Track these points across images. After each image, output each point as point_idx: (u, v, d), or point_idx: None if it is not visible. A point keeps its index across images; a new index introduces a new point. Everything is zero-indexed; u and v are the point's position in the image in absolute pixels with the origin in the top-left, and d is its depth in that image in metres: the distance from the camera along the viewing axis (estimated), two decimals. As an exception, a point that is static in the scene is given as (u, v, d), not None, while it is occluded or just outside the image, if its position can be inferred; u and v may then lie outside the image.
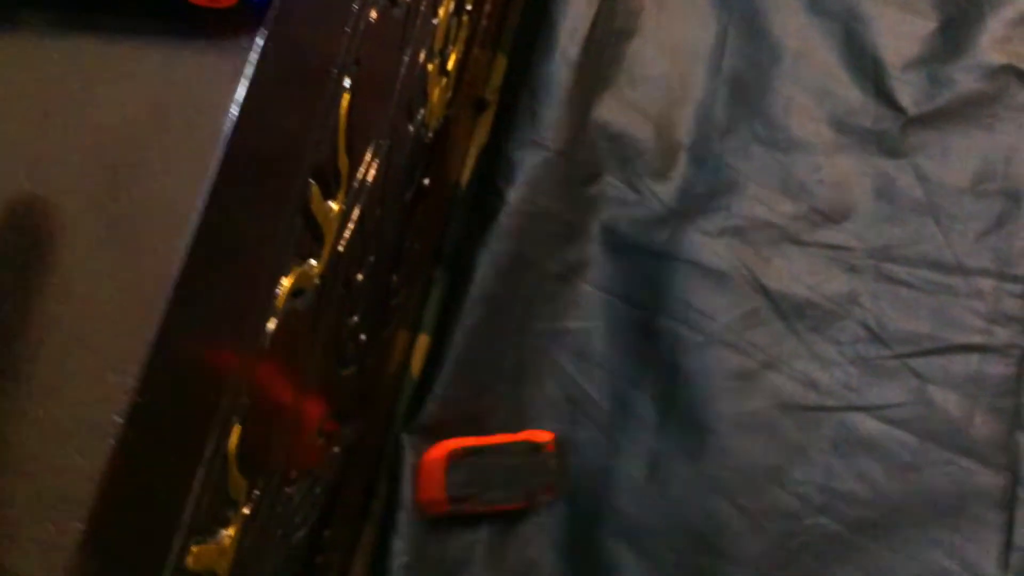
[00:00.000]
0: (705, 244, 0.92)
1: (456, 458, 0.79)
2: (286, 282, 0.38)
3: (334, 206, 0.43)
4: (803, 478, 0.85)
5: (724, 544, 0.83)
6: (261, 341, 0.37)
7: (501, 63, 0.95)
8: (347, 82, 0.41)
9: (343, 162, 0.43)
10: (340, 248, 0.46)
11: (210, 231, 0.28)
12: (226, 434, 0.35)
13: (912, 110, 0.96)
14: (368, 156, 0.49)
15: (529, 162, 0.89)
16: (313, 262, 0.42)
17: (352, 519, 0.80)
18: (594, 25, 0.95)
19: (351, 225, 0.47)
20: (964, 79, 0.96)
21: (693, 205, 0.93)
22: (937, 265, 0.92)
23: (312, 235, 0.41)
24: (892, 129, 0.96)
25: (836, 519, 0.84)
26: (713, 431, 0.87)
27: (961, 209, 0.93)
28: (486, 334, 0.85)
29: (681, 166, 0.95)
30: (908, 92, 0.96)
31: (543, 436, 0.82)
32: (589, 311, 0.91)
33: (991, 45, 0.95)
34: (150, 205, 0.28)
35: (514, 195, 0.88)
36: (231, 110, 0.29)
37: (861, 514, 0.84)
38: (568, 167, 0.92)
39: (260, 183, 0.32)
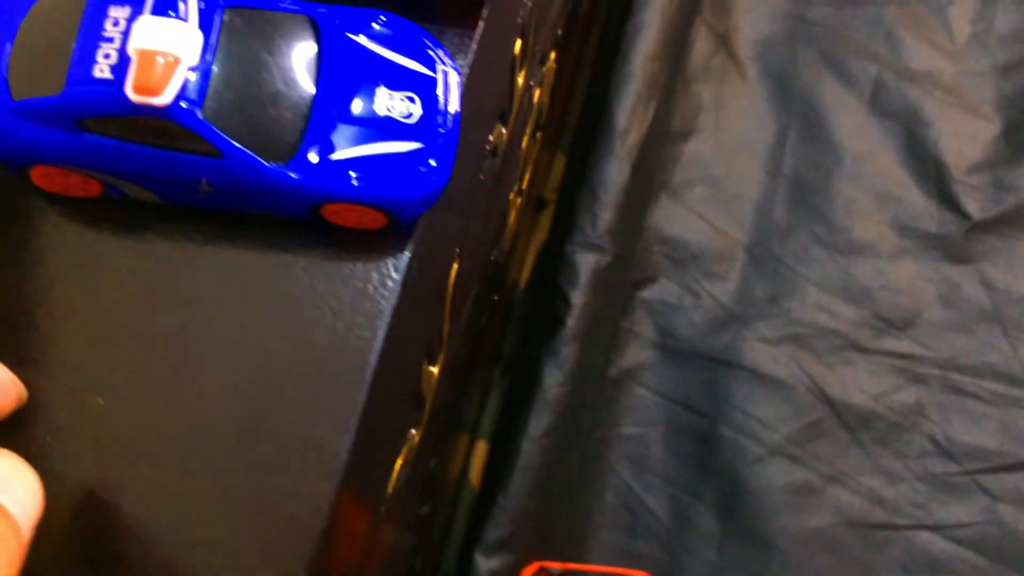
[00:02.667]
0: (765, 351, 0.89)
1: None
2: (396, 466, 0.36)
3: (434, 370, 0.41)
4: (872, 602, 0.82)
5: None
6: (376, 538, 0.35)
7: (560, 162, 0.94)
8: (456, 249, 0.39)
9: (446, 328, 0.41)
10: (436, 403, 0.44)
11: (355, 469, 0.26)
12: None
13: (976, 215, 0.94)
14: (465, 310, 0.47)
15: (590, 265, 0.88)
16: (414, 431, 0.40)
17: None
18: (652, 125, 0.94)
19: (442, 376, 0.45)
20: (1029, 185, 0.94)
21: (752, 309, 0.91)
22: (1005, 377, 0.89)
23: (416, 407, 0.39)
24: (956, 234, 0.94)
25: (908, 647, 0.80)
26: (776, 548, 0.83)
27: (1028, 318, 0.91)
28: (553, 442, 0.83)
29: (739, 268, 0.93)
30: (972, 197, 0.94)
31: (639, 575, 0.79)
32: (646, 416, 0.89)
33: (1057, 151, 0.94)
34: (294, 447, 0.26)
35: (578, 298, 0.86)
36: (378, 339, 0.27)
37: (933, 642, 0.80)
38: (624, 270, 0.91)
39: (395, 402, 0.30)
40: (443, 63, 0.36)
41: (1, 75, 0.34)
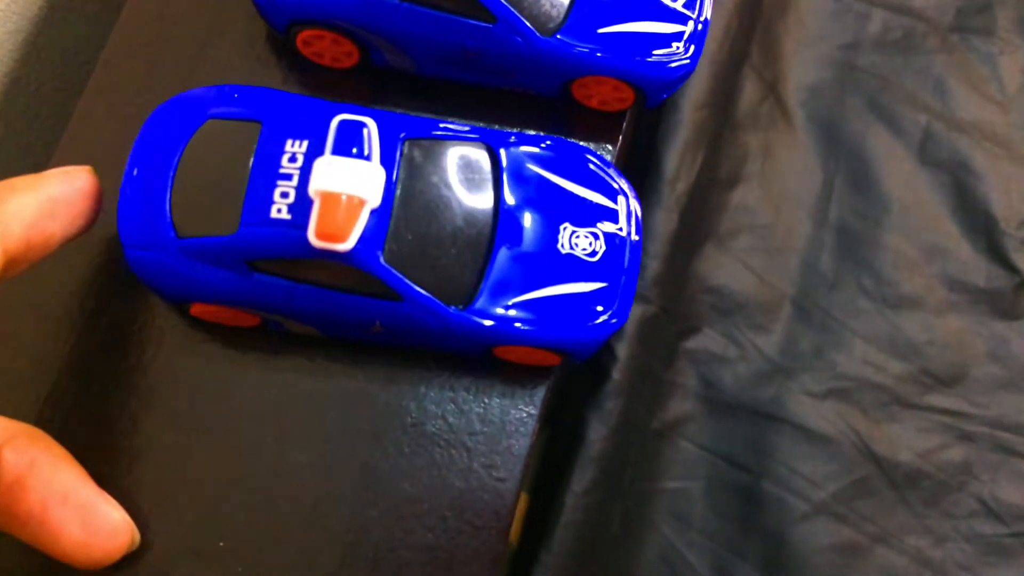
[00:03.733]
0: (810, 405, 0.88)
1: None
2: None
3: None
4: (920, 670, 0.80)
5: None
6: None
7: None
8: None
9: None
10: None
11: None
12: None
13: (1026, 271, 0.92)
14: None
15: (637, 316, 0.86)
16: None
17: None
18: (700, 174, 0.93)
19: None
20: (1081, 241, 0.92)
21: (797, 362, 0.90)
22: (1055, 437, 0.87)
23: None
24: (1006, 289, 0.92)
25: None
26: (821, 609, 0.82)
27: (1079, 377, 0.89)
28: (596, 498, 0.81)
29: (784, 320, 0.92)
30: (1022, 252, 0.93)
31: None
32: (689, 471, 0.87)
33: (1110, 207, 0.92)
34: None
35: (624, 351, 0.85)
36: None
37: None
38: (668, 321, 0.89)
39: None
40: (622, 192, 0.35)
41: (164, 210, 0.32)
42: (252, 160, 0.32)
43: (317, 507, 0.28)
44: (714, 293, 0.91)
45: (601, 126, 0.34)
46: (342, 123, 0.30)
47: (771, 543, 0.84)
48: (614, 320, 0.33)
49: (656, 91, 0.34)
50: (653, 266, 0.89)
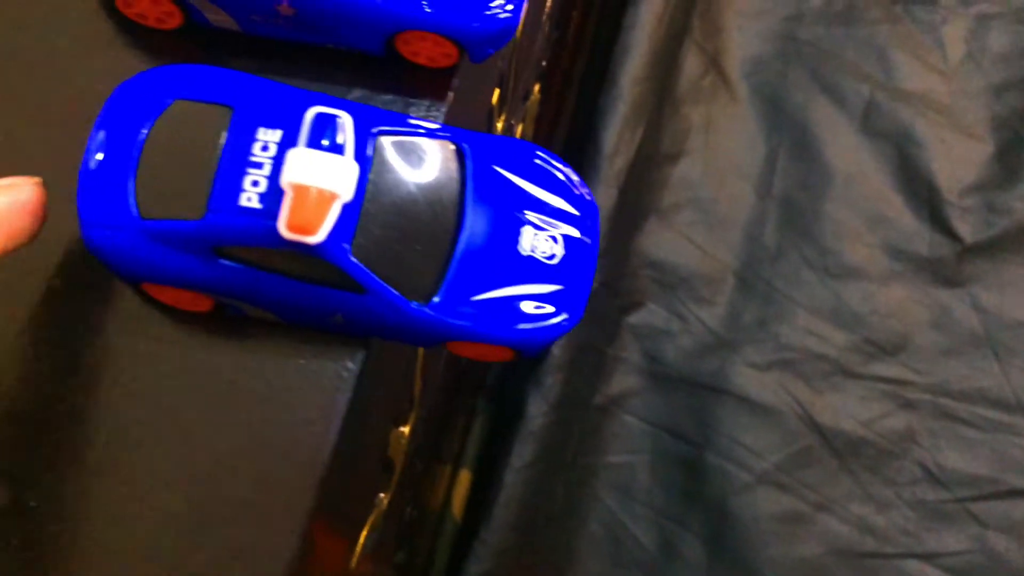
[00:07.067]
0: (753, 377, 0.88)
1: None
2: (361, 539, 0.35)
3: (405, 430, 0.40)
4: (860, 634, 0.81)
5: None
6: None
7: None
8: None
9: (418, 387, 0.40)
10: (409, 460, 0.43)
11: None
12: None
13: (968, 238, 0.93)
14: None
15: (575, 292, 0.87)
16: (383, 495, 0.39)
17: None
18: (640, 148, 0.93)
19: (418, 432, 0.44)
20: (1022, 207, 0.93)
21: (741, 334, 0.90)
22: (997, 403, 0.88)
23: (386, 471, 0.38)
24: (948, 257, 0.93)
25: None
26: (764, 578, 0.82)
27: (1021, 343, 0.90)
28: (536, 473, 0.82)
29: (728, 292, 0.92)
30: (964, 219, 0.93)
31: None
32: (633, 444, 0.87)
33: (1050, 174, 0.93)
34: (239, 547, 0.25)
35: (562, 328, 0.85)
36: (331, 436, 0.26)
37: (922, 676, 0.79)
38: (610, 296, 0.89)
39: (349, 485, 0.29)
40: (585, 198, 0.35)
41: (127, 190, 0.32)
42: (222, 146, 0.32)
43: (142, 459, 0.28)
44: (657, 268, 0.91)
45: (429, 83, 0.34)
46: (317, 116, 0.30)
47: (714, 513, 0.85)
48: (567, 321, 0.34)
49: (479, 46, 0.34)
50: (593, 241, 0.89)
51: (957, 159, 0.95)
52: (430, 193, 0.33)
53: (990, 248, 0.92)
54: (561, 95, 0.90)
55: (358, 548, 0.34)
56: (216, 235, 0.31)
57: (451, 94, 0.35)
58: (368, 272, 0.31)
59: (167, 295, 0.33)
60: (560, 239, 0.35)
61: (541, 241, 0.35)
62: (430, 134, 0.34)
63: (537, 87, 0.65)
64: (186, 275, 0.32)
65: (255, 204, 0.30)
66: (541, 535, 0.82)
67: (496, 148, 0.35)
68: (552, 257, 0.35)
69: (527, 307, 0.34)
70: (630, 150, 0.92)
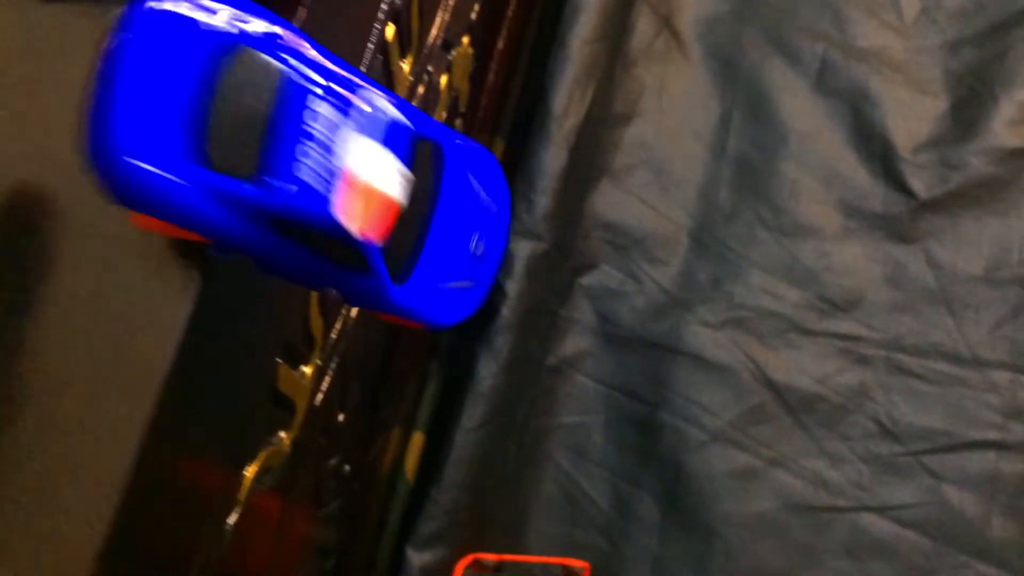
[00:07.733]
0: (707, 336, 0.89)
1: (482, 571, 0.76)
2: (250, 471, 0.35)
3: (307, 369, 0.40)
4: (813, 585, 0.81)
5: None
6: (221, 539, 0.34)
7: (499, 147, 0.92)
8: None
9: (316, 325, 0.40)
10: (317, 403, 0.43)
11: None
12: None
13: (923, 194, 0.92)
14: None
15: (526, 253, 0.87)
16: (283, 434, 0.39)
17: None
18: (591, 110, 0.92)
19: (329, 376, 0.44)
20: (976, 162, 0.93)
21: (695, 293, 0.90)
22: (950, 357, 0.88)
23: (281, 408, 0.38)
24: (902, 214, 0.92)
25: (847, 631, 0.80)
26: (718, 534, 0.83)
27: (975, 298, 0.90)
28: (487, 434, 0.82)
29: (682, 252, 0.92)
30: (918, 175, 0.93)
31: (578, 564, 0.78)
32: (586, 405, 0.88)
33: (1004, 127, 0.92)
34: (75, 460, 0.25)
35: (514, 288, 0.85)
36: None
37: (874, 625, 0.80)
38: (563, 257, 0.89)
39: (224, 413, 0.29)
40: (507, 204, 0.40)
41: (186, 135, 0.30)
42: (277, 108, 0.31)
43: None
44: (610, 229, 0.91)
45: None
46: (392, 122, 0.32)
47: (668, 472, 0.85)
48: (471, 307, 0.37)
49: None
50: (543, 202, 0.89)
51: (912, 116, 0.95)
52: (417, 188, 0.35)
53: (944, 203, 0.92)
54: (515, 55, 0.89)
55: (246, 481, 0.34)
56: (276, 214, 0.31)
57: (303, 9, 0.35)
58: (383, 263, 0.32)
59: (158, 227, 0.32)
60: (484, 241, 0.39)
61: (478, 242, 0.39)
62: (423, 135, 0.36)
63: (467, 39, 0.65)
64: (214, 226, 0.31)
65: (310, 180, 0.30)
66: (493, 495, 0.82)
67: (469, 153, 0.39)
68: (479, 256, 0.39)
69: (460, 298, 0.39)
70: (580, 111, 0.91)
